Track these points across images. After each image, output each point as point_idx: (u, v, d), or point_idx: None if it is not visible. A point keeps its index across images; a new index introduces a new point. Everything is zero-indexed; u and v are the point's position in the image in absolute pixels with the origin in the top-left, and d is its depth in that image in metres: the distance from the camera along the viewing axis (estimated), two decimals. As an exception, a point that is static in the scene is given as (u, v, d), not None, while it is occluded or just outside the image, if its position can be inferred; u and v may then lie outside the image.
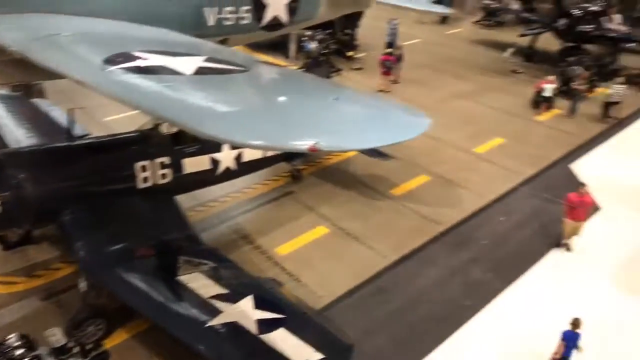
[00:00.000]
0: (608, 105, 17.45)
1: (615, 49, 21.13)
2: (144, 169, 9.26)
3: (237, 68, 6.67)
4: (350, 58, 22.13)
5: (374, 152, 12.73)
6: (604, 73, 19.71)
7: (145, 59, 6.48)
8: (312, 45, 19.43)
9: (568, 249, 10.88)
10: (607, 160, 15.16)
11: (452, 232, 11.54)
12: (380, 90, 19.19)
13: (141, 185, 9.23)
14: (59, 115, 11.96)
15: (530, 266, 10.55)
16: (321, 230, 11.26)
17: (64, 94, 13.61)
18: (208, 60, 6.77)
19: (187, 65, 6.37)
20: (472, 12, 30.46)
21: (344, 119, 5.18)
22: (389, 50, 19.96)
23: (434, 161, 14.39)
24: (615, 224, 11.90)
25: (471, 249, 11.02)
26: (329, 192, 12.70)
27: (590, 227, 10.84)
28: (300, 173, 13.12)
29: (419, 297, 9.64)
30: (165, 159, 9.47)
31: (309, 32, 19.78)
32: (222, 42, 12.19)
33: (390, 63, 19.27)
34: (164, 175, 9.50)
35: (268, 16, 13.00)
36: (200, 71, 6.29)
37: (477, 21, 28.91)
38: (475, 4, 30.56)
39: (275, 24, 13.43)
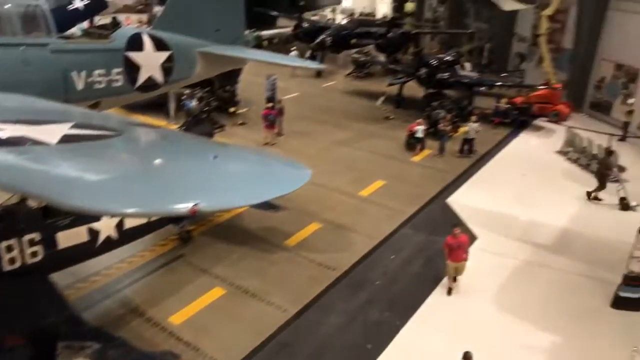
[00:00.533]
0: (466, 141, 19.33)
1: (470, 92, 23.72)
2: (9, 249, 8.32)
3: (109, 133, 6.40)
4: (232, 114, 22.29)
5: (264, 205, 12.72)
6: (463, 114, 21.91)
7: (2, 129, 5.97)
8: (193, 103, 19.31)
9: (449, 292, 11.20)
10: (476, 192, 16.62)
11: (348, 276, 11.76)
12: (266, 144, 19.48)
13: (7, 267, 8.26)
14: None
15: (423, 300, 11.03)
16: (217, 292, 10.84)
17: None
18: (75, 126, 6.42)
19: (51, 133, 5.97)
20: (344, 65, 32.53)
21: (225, 177, 5.15)
22: (270, 104, 20.47)
23: (323, 208, 14.73)
24: (491, 252, 12.93)
25: (367, 290, 11.29)
26: (222, 251, 12.37)
27: (471, 257, 11.64)
28: (190, 234, 12.65)
29: (323, 347, 9.57)
30: (35, 235, 8.60)
31: (188, 91, 19.67)
32: (94, 105, 11.69)
33: (273, 117, 19.72)
34: (34, 254, 8.60)
35: (142, 77, 12.80)
36: (66, 139, 5.93)
37: (349, 74, 30.86)
38: (346, 58, 32.71)
39: (151, 84, 13.25)
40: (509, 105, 22.90)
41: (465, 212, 14.92)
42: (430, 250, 12.79)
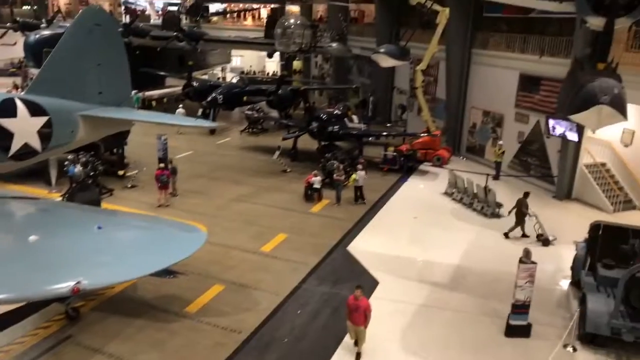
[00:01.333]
0: (357, 189, 20.14)
1: (359, 143, 24.95)
2: None
3: (-25, 210, 5.75)
4: (122, 177, 21.24)
5: (160, 272, 12.02)
6: (355, 163, 22.85)
7: None
8: (77, 169, 18.10)
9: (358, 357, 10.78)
10: (374, 237, 17.18)
11: (255, 337, 11.36)
12: (160, 206, 18.73)
13: None
14: None
15: (332, 353, 10.93)
16: (111, 374, 9.89)
17: None
18: None
19: None
20: (237, 122, 32.75)
21: (111, 249, 4.81)
22: (162, 165, 19.85)
23: (224, 268, 14.29)
24: (391, 298, 13.26)
25: (275, 350, 10.96)
26: (116, 325, 11.36)
27: (374, 302, 11.82)
28: (77, 311, 11.50)
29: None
30: None
31: (71, 156, 18.46)
32: (-42, 179, 10.50)
33: (166, 177, 19.09)
34: None
35: (16, 145, 11.79)
36: None
37: (243, 130, 31.09)
38: (239, 115, 33.02)
39: (27, 152, 12.23)
40: (395, 153, 24.37)
41: (365, 259, 15.31)
42: (335, 301, 12.83)
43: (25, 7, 47.89)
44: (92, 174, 18.43)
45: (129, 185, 20.68)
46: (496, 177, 23.01)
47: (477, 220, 18.75)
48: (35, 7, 47.04)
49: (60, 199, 17.74)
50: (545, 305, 12.89)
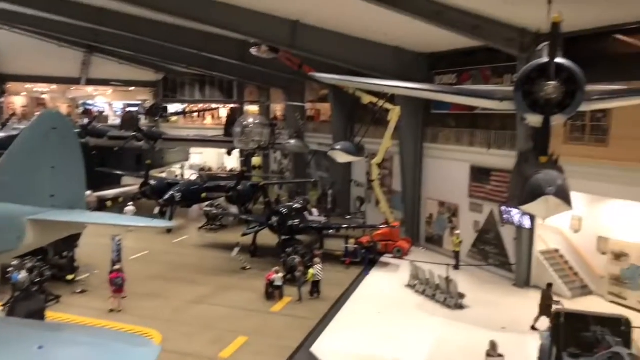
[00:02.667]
0: (314, 283, 19.71)
1: (320, 236, 24.89)
2: None
3: None
4: (70, 282, 20.11)
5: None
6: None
7: None
8: (21, 276, 17.04)
9: None
10: (338, 336, 16.58)
11: None
12: (111, 311, 17.71)
13: None
14: None
15: None
16: None
17: None
18: None
19: None
20: (196, 219, 32.31)
21: (51, 373, 4.38)
22: (117, 267, 19.00)
23: (180, 379, 13.31)
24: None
25: None
26: None
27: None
28: None
29: None
30: None
31: (16, 261, 17.44)
32: None
33: (121, 280, 18.26)
34: None
35: (-46, 253, 11.06)
36: None
37: (201, 227, 30.62)
38: (197, 212, 32.67)
39: (-34, 261, 11.45)
40: (357, 245, 24.34)
41: (330, 358, 14.62)
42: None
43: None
44: (37, 280, 17.37)
45: (79, 291, 19.57)
46: (456, 267, 23.17)
47: (441, 313, 18.50)
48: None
49: (1, 308, 16.51)
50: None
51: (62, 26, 34.61)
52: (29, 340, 5.34)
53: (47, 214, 13.50)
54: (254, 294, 19.77)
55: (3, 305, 16.74)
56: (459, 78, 25.50)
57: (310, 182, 34.33)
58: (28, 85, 52.21)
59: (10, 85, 49.97)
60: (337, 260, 23.97)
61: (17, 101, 52.78)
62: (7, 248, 12.44)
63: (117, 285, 18.11)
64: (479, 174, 24.10)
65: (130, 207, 29.84)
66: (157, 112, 45.73)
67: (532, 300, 19.80)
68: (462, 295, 19.02)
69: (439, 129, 27.11)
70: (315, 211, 26.38)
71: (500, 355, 11.28)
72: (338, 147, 23.90)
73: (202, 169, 45.15)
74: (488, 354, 11.31)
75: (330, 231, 25.91)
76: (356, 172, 33.74)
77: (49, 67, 46.64)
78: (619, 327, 12.38)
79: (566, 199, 9.23)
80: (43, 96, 54.53)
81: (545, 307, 16.82)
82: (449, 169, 25.87)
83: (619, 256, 19.05)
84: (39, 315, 14.18)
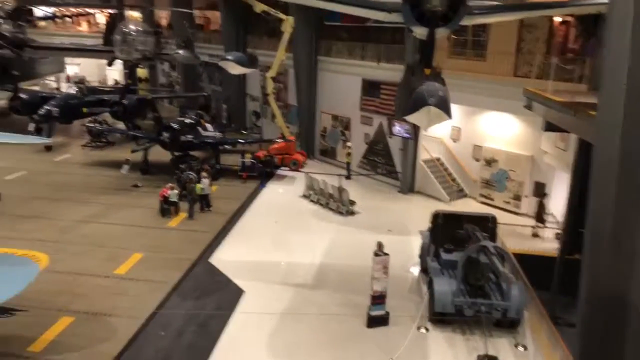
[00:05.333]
0: (202, 197, 19.69)
1: (216, 151, 24.51)
2: None
3: None
4: None
5: (-8, 312, 10.51)
6: (212, 172, 22.39)
7: None
8: None
9: None
10: (236, 247, 17.03)
11: (114, 368, 10.52)
12: None
13: None
14: None
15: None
16: None
17: None
18: None
19: None
20: (78, 136, 30.01)
21: None
22: None
23: (73, 298, 12.99)
24: (258, 303, 13.27)
25: (138, 378, 10.27)
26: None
27: (239, 315, 11.67)
28: None
29: None
30: None
31: None
32: None
33: None
34: None
35: None
36: None
37: (85, 144, 28.57)
38: (80, 128, 30.27)
39: None
40: (253, 160, 24.41)
41: (229, 269, 15.08)
42: (200, 317, 12.44)
43: None
44: None
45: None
46: (348, 177, 24.35)
47: (335, 219, 19.63)
48: None
49: None
50: (399, 293, 13.93)
51: None
52: None
53: None
54: (148, 211, 19.34)
55: None
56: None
57: (202, 95, 32.92)
58: None
59: None
60: (235, 175, 23.99)
61: None
62: None
63: None
64: (370, 88, 24.76)
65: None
66: (20, 15, 39.97)
67: (415, 204, 21.73)
68: (353, 203, 20.23)
69: (332, 42, 27.00)
70: (209, 126, 25.66)
71: (386, 254, 12.35)
72: (230, 57, 22.92)
73: (82, 82, 41.25)
74: (375, 254, 12.32)
75: (226, 146, 25.59)
76: (251, 86, 32.97)
77: None
78: (487, 224, 14.11)
79: (446, 110, 9.87)
80: None
81: (540, 215, 17.99)
82: (342, 82, 26.21)
83: (489, 162, 21.19)
84: None
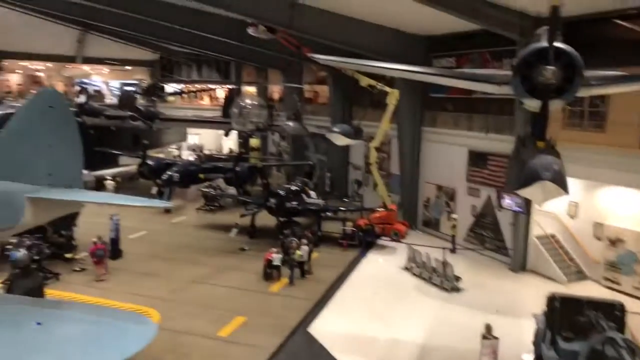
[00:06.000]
0: (301, 264, 19.86)
1: (318, 218, 24.98)
2: None
3: None
4: (69, 260, 20.22)
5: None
6: (314, 239, 22.75)
7: None
8: (19, 253, 17.06)
9: None
10: (336, 316, 16.79)
11: None
12: (99, 280, 18.55)
13: None
14: None
15: None
16: None
17: None
18: None
19: None
20: (194, 200, 32.34)
21: (50, 349, 4.42)
22: (95, 239, 19.32)
23: (178, 356, 13.48)
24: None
25: None
26: None
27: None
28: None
29: None
30: None
31: (14, 239, 17.48)
32: None
33: (102, 251, 18.91)
34: None
35: (-46, 231, 11.09)
36: None
37: (200, 208, 30.67)
38: (195, 192, 32.67)
39: (-37, 237, 11.50)
40: (354, 229, 24.44)
41: (327, 340, 14.82)
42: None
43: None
44: (36, 258, 17.44)
45: (77, 269, 19.66)
46: (453, 251, 23.35)
47: (438, 295, 18.70)
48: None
49: (1, 285, 16.61)
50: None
51: (56, 3, 34.17)
52: (27, 317, 5.39)
53: (44, 192, 13.52)
54: (252, 275, 19.92)
55: (2, 283, 16.84)
56: (457, 61, 25.35)
57: (308, 164, 34.23)
58: (23, 63, 51.69)
59: (6, 63, 49.43)
60: (335, 243, 24.11)
61: (13, 79, 52.30)
62: (6, 225, 12.49)
63: (98, 257, 18.88)
64: (477, 159, 24.12)
65: (110, 182, 29.89)
66: (154, 92, 45.39)
67: (527, 284, 20.11)
68: (458, 278, 19.21)
69: (437, 112, 27.03)
70: (313, 193, 26.40)
71: (496, 338, 11.43)
72: (336, 129, 23.81)
73: (200, 150, 45.06)
74: (483, 337, 11.46)
75: (328, 213, 26.02)
76: (354, 155, 33.71)
77: (44, 44, 46.01)
78: (614, 311, 12.54)
79: (562, 184, 9.26)
80: (39, 74, 54.06)
81: None
82: (446, 152, 25.88)
83: (614, 242, 19.20)
84: (37, 292, 14.30)
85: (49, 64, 52.67)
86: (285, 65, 39.48)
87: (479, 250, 23.64)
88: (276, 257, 19.58)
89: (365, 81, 25.92)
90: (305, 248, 20.06)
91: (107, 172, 32.71)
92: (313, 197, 26.10)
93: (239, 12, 25.63)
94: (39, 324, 4.85)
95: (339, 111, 33.49)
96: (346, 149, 33.00)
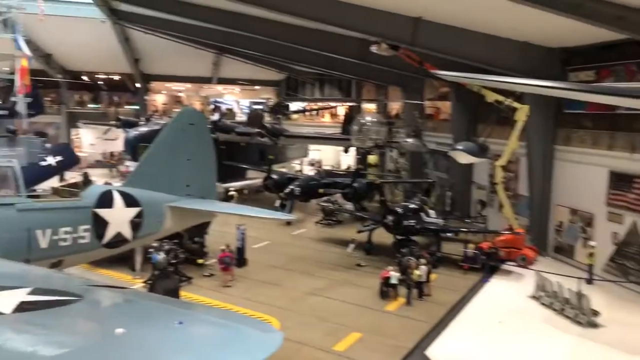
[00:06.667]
0: (420, 284, 19.20)
1: (437, 238, 24.21)
2: None
3: (69, 298, 6.02)
4: (200, 265, 21.83)
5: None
6: (433, 260, 22.06)
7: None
8: (160, 256, 18.86)
9: None
10: (455, 342, 16.01)
11: None
12: (226, 286, 19.68)
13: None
14: None
15: None
16: None
17: None
18: (34, 292, 6.04)
19: (7, 301, 5.58)
20: (313, 214, 33.25)
21: (190, 346, 4.77)
22: (223, 247, 20.49)
23: (296, 367, 13.79)
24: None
25: None
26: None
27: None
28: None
29: None
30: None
31: (155, 243, 19.36)
32: (56, 264, 11.24)
33: (229, 259, 20.02)
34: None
35: (110, 233, 12.59)
36: (23, 307, 5.53)
37: (318, 221, 31.42)
38: (314, 206, 33.60)
39: (119, 240, 13.01)
40: (476, 251, 23.25)
41: (446, 366, 14.19)
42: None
43: (128, 107, 53.72)
44: (173, 261, 19.12)
45: (207, 274, 21.12)
46: (589, 281, 21.13)
47: (572, 329, 16.99)
48: (137, 106, 52.88)
49: (143, 284, 18.46)
50: None
51: (198, 30, 37.66)
52: (170, 316, 5.86)
53: (183, 201, 14.86)
54: (368, 291, 19.83)
55: (144, 282, 18.71)
56: (598, 75, 23.18)
57: (427, 182, 33.48)
58: (168, 84, 57.68)
59: (153, 85, 55.52)
60: (455, 265, 23.16)
61: (159, 99, 58.58)
62: (151, 231, 13.92)
63: (225, 264, 19.95)
64: (619, 181, 21.68)
65: (233, 193, 31.64)
66: (279, 110, 47.85)
67: (682, 325, 17.51)
68: (595, 313, 17.31)
69: (572, 130, 24.88)
70: (432, 212, 25.69)
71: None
72: (460, 147, 22.99)
73: (319, 165, 46.35)
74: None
75: (448, 234, 25.11)
76: (478, 174, 32.25)
77: (185, 67, 51.14)
78: None
79: None
80: (180, 94, 59.89)
81: None
82: (583, 173, 23.63)
83: None
84: (174, 293, 15.62)
85: (189, 85, 58.19)
86: (405, 81, 39.31)
87: (620, 282, 21.13)
88: (393, 276, 19.29)
89: (492, 97, 24.75)
90: (423, 268, 19.53)
91: (235, 184, 34.96)
92: (432, 216, 25.39)
93: (363, 32, 26.11)
94: (180, 323, 5.24)
95: (462, 128, 32.33)
96: (469, 167, 31.69)
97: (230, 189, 33.17)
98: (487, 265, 22.76)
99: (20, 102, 30.22)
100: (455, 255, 23.93)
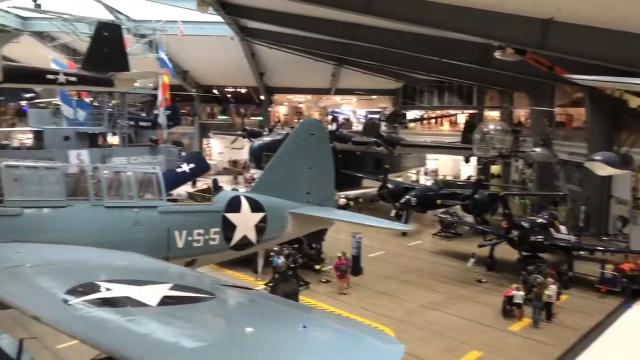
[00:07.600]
0: (549, 306, 17.71)
1: (568, 256, 22.22)
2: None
3: (203, 295, 6.51)
4: (317, 271, 22.34)
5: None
6: (563, 280, 20.30)
7: (109, 289, 6.30)
8: (280, 260, 19.67)
9: None
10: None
11: None
12: (342, 293, 19.89)
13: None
14: (7, 344, 10.99)
15: None
16: None
17: (14, 319, 12.76)
18: (174, 288, 6.63)
19: (153, 294, 6.19)
20: (430, 225, 32.41)
21: (315, 351, 4.88)
22: (340, 255, 20.62)
23: (411, 381, 13.47)
24: None
25: None
26: None
27: None
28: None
29: None
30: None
31: (276, 247, 20.23)
32: (190, 263, 12.24)
33: (345, 267, 20.14)
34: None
35: (237, 237, 13.41)
36: (166, 301, 6.09)
37: (435, 233, 30.54)
38: (432, 218, 32.73)
39: (244, 243, 13.79)
40: (616, 273, 20.90)
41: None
42: None
43: (253, 118, 57.11)
44: (292, 266, 19.82)
45: (324, 280, 21.55)
46: None
47: None
48: (261, 117, 56.08)
49: (264, 287, 19.38)
50: None
51: (318, 42, 38.88)
52: (294, 319, 6.05)
53: (304, 208, 15.36)
54: (489, 309, 18.79)
55: (265, 285, 19.64)
56: None
57: (558, 195, 30.98)
58: (289, 96, 60.34)
59: (276, 97, 58.41)
60: (590, 287, 21.05)
61: (281, 110, 61.50)
62: (274, 235, 14.58)
63: (342, 271, 20.15)
64: None
65: (342, 200, 31.78)
66: (396, 118, 47.55)
67: None
68: None
69: None
70: (563, 228, 23.65)
71: None
72: (598, 157, 20.88)
73: (435, 175, 45.15)
74: None
75: (582, 252, 22.92)
76: (617, 187, 29.10)
77: (305, 79, 53.14)
78: None
79: None
80: (300, 105, 62.31)
81: None
82: None
83: None
84: (294, 297, 16.15)
85: (308, 97, 60.33)
86: (532, 87, 36.85)
87: None
88: (517, 295, 18.06)
89: (635, 102, 22.19)
90: (553, 288, 18.04)
91: (352, 193, 35.34)
92: (563, 232, 23.37)
93: (486, 37, 24.98)
94: (304, 327, 5.39)
95: (600, 136, 29.39)
96: (608, 180, 28.74)
97: (347, 197, 33.63)
98: (629, 289, 20.35)
99: (162, 115, 33.73)
100: (590, 275, 21.77)
